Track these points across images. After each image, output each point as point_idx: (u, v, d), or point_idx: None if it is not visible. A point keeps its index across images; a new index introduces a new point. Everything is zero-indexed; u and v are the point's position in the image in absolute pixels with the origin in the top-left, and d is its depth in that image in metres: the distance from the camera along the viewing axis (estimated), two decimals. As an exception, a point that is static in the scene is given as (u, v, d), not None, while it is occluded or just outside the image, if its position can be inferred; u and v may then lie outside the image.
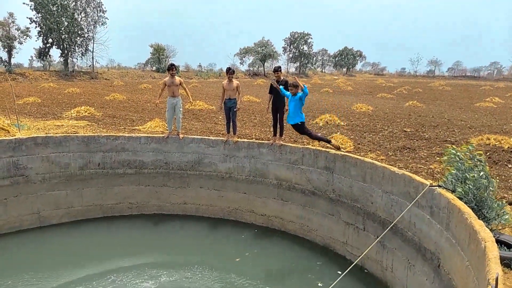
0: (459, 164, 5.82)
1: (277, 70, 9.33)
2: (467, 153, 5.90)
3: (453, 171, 5.86)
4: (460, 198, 5.43)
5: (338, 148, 8.60)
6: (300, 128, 8.55)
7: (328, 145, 8.77)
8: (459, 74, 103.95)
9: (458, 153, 5.95)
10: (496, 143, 10.85)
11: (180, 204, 10.38)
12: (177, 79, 9.90)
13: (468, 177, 5.56)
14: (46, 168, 9.43)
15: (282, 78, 9.20)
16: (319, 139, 8.92)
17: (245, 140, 10.02)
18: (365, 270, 7.71)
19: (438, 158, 9.05)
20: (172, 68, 9.92)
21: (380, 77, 79.68)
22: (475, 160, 5.77)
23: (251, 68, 74.11)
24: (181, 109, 10.17)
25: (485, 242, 4.08)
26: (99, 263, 7.84)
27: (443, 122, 15.31)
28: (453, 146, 6.66)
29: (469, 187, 5.45)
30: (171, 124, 10.29)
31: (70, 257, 8.04)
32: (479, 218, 4.78)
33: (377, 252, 7.41)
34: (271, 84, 9.29)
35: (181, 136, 10.15)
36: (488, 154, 9.65)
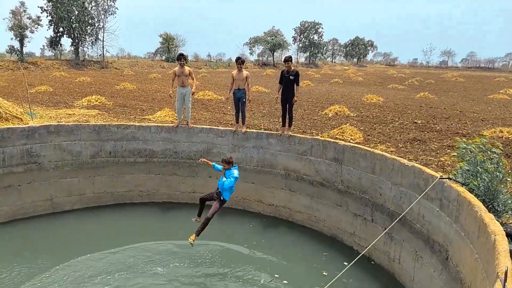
0: (471, 157, 5.78)
1: (288, 60, 9.26)
2: (480, 146, 5.85)
3: (465, 166, 5.82)
4: (471, 191, 5.41)
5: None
6: (220, 204, 7.80)
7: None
8: (473, 65, 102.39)
9: (470, 147, 5.90)
10: (510, 136, 10.72)
11: (189, 192, 10.47)
12: (187, 69, 9.90)
13: (481, 170, 5.52)
14: (58, 156, 9.55)
15: (292, 68, 9.16)
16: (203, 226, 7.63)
17: (254, 130, 10.04)
18: (372, 262, 7.74)
19: (449, 151, 9.00)
20: (180, 58, 9.91)
21: (391, 68, 78.91)
22: (489, 152, 5.71)
23: (261, 58, 73.77)
24: (190, 99, 10.19)
25: (495, 235, 4.07)
26: (110, 248, 7.95)
27: (455, 114, 15.16)
28: (464, 139, 6.59)
29: (483, 179, 5.41)
30: (181, 114, 10.33)
31: (82, 242, 8.19)
32: (489, 211, 4.76)
33: (385, 244, 7.43)
34: (281, 73, 9.26)
35: (190, 125, 10.19)
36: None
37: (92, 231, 8.78)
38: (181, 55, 9.99)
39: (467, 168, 5.76)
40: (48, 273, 7.02)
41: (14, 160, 9.00)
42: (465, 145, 6.00)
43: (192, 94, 10.01)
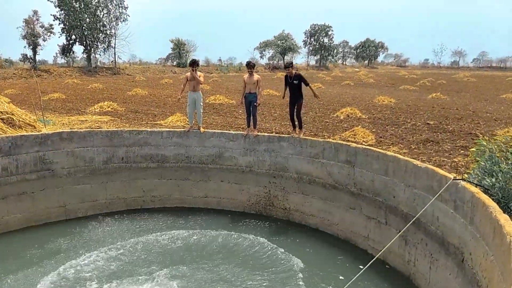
0: (489, 156, 5.71)
1: (288, 66, 9.39)
2: (500, 145, 5.78)
3: (481, 163, 5.75)
4: (486, 191, 5.33)
5: None
6: None
7: None
8: (484, 65, 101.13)
9: (490, 145, 5.84)
10: (523, 136, 10.55)
11: (201, 197, 10.49)
12: (198, 74, 9.97)
13: (496, 169, 5.45)
14: (71, 162, 9.65)
15: (294, 73, 9.20)
16: None
17: (265, 134, 10.04)
18: (387, 266, 7.65)
19: (463, 151, 8.89)
20: (193, 64, 9.99)
21: (402, 69, 78.31)
22: (508, 152, 5.64)
23: (271, 62, 73.79)
24: (201, 104, 10.25)
25: (511, 237, 4.01)
26: (123, 254, 7.99)
27: (467, 114, 14.98)
28: (485, 137, 6.51)
29: (497, 179, 5.33)
30: (192, 118, 10.39)
31: (95, 248, 8.25)
32: (504, 212, 4.69)
33: (399, 247, 7.35)
34: (285, 78, 9.38)
35: (202, 130, 10.23)
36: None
37: (105, 237, 8.84)
38: (194, 61, 10.09)
39: (483, 165, 5.69)
40: (62, 279, 7.08)
41: (27, 167, 9.12)
42: (484, 143, 5.93)
43: (194, 91, 10.03)
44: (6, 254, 8.01)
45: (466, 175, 6.09)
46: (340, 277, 7.19)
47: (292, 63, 9.54)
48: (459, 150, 9.12)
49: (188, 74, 10.05)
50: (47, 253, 8.09)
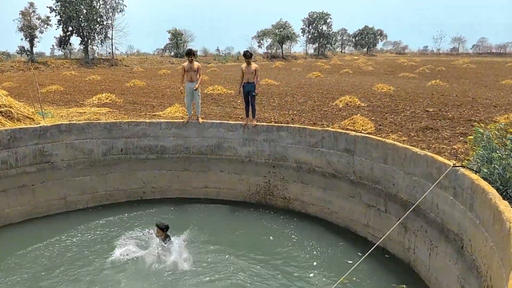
0: (486, 143, 5.70)
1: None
2: (496, 132, 5.77)
3: (480, 151, 5.74)
4: (485, 179, 5.33)
5: None
6: None
7: None
8: (484, 51, 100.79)
9: (486, 132, 5.82)
10: (523, 122, 10.55)
11: (201, 188, 10.51)
12: (195, 64, 9.91)
13: (495, 156, 5.44)
14: (70, 155, 9.64)
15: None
16: None
17: (264, 123, 10.02)
18: (386, 255, 7.67)
19: (462, 138, 8.88)
20: (190, 54, 9.94)
21: (401, 56, 78.05)
22: (505, 139, 5.63)
23: (269, 51, 73.50)
24: (199, 94, 10.20)
25: (510, 223, 4.01)
26: (124, 245, 8.00)
27: (467, 101, 14.94)
28: (481, 124, 6.50)
29: (495, 166, 5.33)
30: (190, 109, 10.36)
31: (96, 240, 8.28)
32: (504, 199, 4.69)
33: (399, 234, 7.38)
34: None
35: (200, 120, 10.20)
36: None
37: (106, 228, 8.84)
38: (190, 51, 10.03)
39: (481, 153, 5.68)
40: (64, 272, 7.11)
41: (27, 160, 9.11)
42: (481, 131, 5.91)
43: (195, 90, 9.97)
44: (7, 247, 8.03)
45: (465, 162, 6.08)
46: (342, 265, 7.21)
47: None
48: (459, 137, 9.11)
49: (185, 64, 9.98)
50: (47, 245, 8.10)
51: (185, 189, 10.56)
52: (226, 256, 7.62)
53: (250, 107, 9.87)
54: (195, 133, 10.24)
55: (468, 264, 5.36)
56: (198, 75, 9.93)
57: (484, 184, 5.06)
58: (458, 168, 5.79)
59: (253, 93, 9.67)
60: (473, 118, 11.26)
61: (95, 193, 10.03)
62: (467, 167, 5.71)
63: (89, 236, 8.48)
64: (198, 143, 10.27)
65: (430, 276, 6.56)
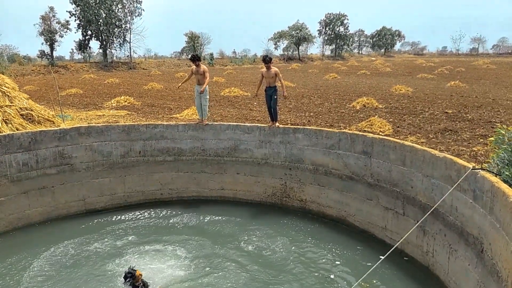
0: (508, 145, 5.58)
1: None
2: None
3: (501, 153, 5.63)
4: (506, 181, 5.23)
5: None
6: None
7: None
8: (504, 51, 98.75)
9: (508, 133, 5.71)
10: (545, 123, 10.31)
11: (218, 189, 10.55)
12: (202, 68, 9.98)
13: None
14: (89, 157, 9.80)
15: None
16: None
17: (281, 125, 10.02)
18: (405, 258, 7.57)
19: (482, 140, 8.73)
20: (193, 59, 10.06)
21: (420, 57, 77.08)
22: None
23: (286, 53, 73.44)
24: (207, 97, 10.28)
25: (532, 227, 3.93)
26: (141, 246, 8.10)
27: (487, 102, 14.68)
28: (503, 125, 6.38)
29: (514, 169, 5.23)
30: (200, 111, 10.44)
31: (115, 240, 8.38)
32: (525, 202, 4.59)
33: (418, 237, 7.28)
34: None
35: (205, 122, 10.23)
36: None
37: (124, 229, 8.96)
38: (194, 56, 10.14)
39: (502, 156, 5.57)
40: (81, 272, 7.22)
41: (47, 162, 9.29)
42: (503, 132, 5.80)
43: (200, 93, 10.03)
44: (29, 247, 8.20)
45: (485, 165, 5.98)
46: (360, 268, 7.15)
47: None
48: (479, 139, 8.96)
49: (193, 67, 10.10)
50: (67, 245, 8.24)
51: (201, 190, 10.62)
52: (242, 258, 7.63)
53: (272, 111, 9.87)
54: (212, 135, 10.30)
55: (488, 268, 5.27)
56: (204, 78, 9.98)
57: (505, 187, 4.96)
58: (478, 170, 5.69)
59: (275, 97, 9.71)
60: (493, 120, 11.06)
61: (114, 195, 10.17)
62: (487, 170, 5.61)
63: (107, 237, 8.60)
64: (214, 145, 10.33)
65: (449, 280, 6.46)
